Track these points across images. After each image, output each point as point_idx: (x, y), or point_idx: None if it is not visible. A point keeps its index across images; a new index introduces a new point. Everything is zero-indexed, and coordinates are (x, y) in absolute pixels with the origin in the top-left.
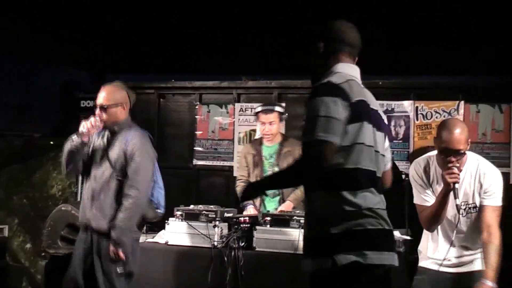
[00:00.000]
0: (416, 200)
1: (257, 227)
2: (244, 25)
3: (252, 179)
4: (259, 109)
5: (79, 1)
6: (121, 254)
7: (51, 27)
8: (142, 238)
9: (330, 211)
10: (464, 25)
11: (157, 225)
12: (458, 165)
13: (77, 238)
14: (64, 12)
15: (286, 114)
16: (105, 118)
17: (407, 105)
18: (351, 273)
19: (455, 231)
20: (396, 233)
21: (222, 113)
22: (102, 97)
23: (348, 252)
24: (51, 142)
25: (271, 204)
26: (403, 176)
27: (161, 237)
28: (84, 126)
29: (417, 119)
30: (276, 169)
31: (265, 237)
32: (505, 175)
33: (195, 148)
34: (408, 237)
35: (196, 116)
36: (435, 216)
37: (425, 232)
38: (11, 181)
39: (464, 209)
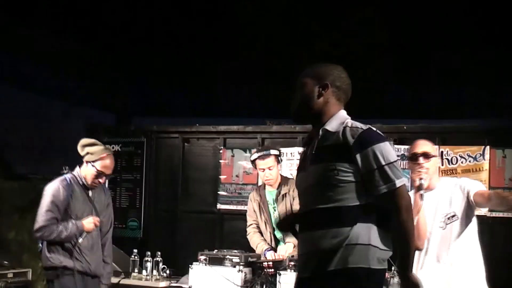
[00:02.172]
0: None
1: (281, 272)
2: (269, 67)
3: (261, 224)
4: (256, 156)
5: (106, 45)
6: None
7: (77, 70)
8: (166, 283)
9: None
10: (489, 67)
11: (181, 269)
12: (425, 169)
13: (65, 279)
14: (91, 55)
15: (282, 155)
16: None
17: None
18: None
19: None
20: None
21: (246, 158)
22: (112, 167)
23: None
24: None
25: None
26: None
27: (185, 282)
28: (93, 227)
29: (442, 164)
30: (276, 213)
31: (289, 282)
32: None
33: (219, 192)
34: None
35: (220, 161)
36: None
37: None
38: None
39: (444, 221)
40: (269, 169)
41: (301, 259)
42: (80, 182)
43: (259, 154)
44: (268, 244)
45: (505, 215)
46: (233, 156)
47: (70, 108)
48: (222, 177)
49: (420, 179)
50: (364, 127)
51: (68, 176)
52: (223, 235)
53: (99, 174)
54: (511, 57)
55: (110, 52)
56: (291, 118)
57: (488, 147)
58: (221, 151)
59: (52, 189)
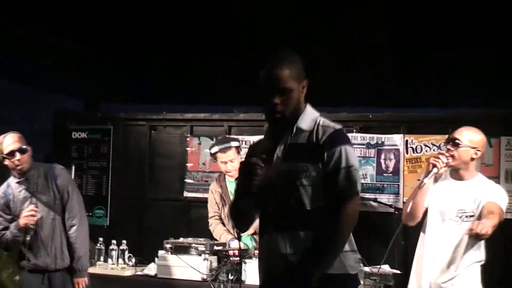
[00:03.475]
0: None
1: (247, 261)
2: (237, 56)
3: (223, 215)
4: (216, 149)
5: (75, 30)
6: (87, 282)
7: (47, 55)
8: (132, 271)
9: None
10: (454, 58)
11: (147, 258)
12: (449, 154)
13: (27, 278)
14: (59, 41)
15: (241, 144)
16: (25, 160)
17: (397, 139)
18: None
19: (446, 239)
20: (386, 267)
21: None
22: (12, 142)
23: None
24: None
25: (247, 241)
26: (393, 210)
27: (150, 270)
28: (30, 220)
29: (407, 153)
30: None
31: (255, 271)
32: None
33: (186, 180)
34: (398, 271)
35: (187, 148)
36: (413, 205)
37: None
38: None
39: (460, 217)
40: (231, 162)
41: (276, 258)
42: (16, 179)
43: (220, 147)
44: (228, 231)
45: None
46: (199, 144)
47: (38, 94)
48: (189, 164)
49: (434, 166)
50: (336, 126)
51: (7, 180)
52: (190, 223)
53: (10, 156)
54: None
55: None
56: (273, 122)
57: None
58: (188, 139)
59: None
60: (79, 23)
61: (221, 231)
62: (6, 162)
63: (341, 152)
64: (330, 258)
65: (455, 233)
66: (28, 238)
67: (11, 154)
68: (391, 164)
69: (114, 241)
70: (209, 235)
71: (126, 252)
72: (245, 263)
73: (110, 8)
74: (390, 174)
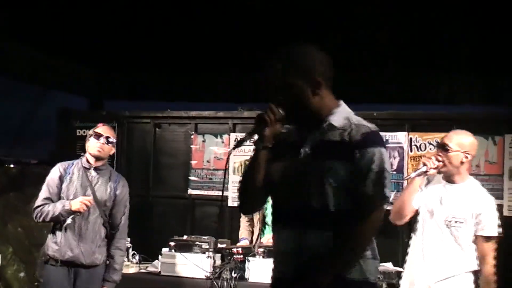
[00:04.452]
0: None
1: (250, 258)
2: (242, 54)
3: None
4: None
5: (78, 28)
6: None
7: (50, 53)
8: (136, 268)
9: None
10: (458, 55)
11: (151, 255)
12: (440, 158)
13: (53, 272)
14: (63, 39)
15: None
16: (105, 150)
17: (401, 137)
18: None
19: (435, 244)
20: (389, 265)
21: (218, 143)
22: (108, 131)
23: None
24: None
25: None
26: None
27: (154, 267)
28: (82, 207)
29: (411, 151)
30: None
31: (258, 268)
32: (499, 207)
33: (190, 177)
34: (401, 269)
35: (192, 146)
36: (400, 203)
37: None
38: (7, 208)
39: (450, 222)
40: None
41: (290, 257)
42: (83, 164)
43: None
44: (250, 232)
45: None
46: (204, 141)
47: (41, 92)
48: (193, 162)
49: (424, 164)
50: (371, 126)
51: (77, 159)
52: (194, 220)
53: (97, 137)
54: (483, 45)
55: (82, 34)
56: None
57: None
58: (192, 137)
59: (52, 170)
60: (83, 19)
61: (242, 226)
62: (91, 141)
63: (374, 153)
64: (347, 264)
65: (444, 236)
66: (68, 222)
67: (99, 136)
68: (395, 162)
69: None
70: (213, 233)
71: (130, 250)
72: (248, 261)
73: (115, 5)
74: (394, 172)
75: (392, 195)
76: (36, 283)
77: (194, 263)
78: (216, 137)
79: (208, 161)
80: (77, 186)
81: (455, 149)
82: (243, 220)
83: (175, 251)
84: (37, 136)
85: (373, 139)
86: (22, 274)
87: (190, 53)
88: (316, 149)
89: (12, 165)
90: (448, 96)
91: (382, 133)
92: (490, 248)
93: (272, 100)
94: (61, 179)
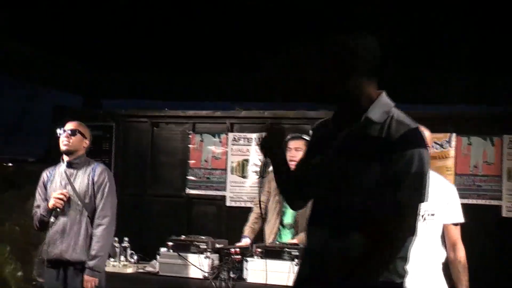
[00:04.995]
0: None
1: (248, 259)
2: (241, 53)
3: (272, 204)
4: (288, 137)
5: (75, 26)
6: (97, 283)
7: (47, 52)
8: (134, 268)
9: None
10: (456, 55)
11: (149, 255)
12: None
13: (46, 274)
14: (60, 36)
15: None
16: (71, 143)
17: None
18: None
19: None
20: None
21: (215, 143)
22: (72, 124)
23: None
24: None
25: (287, 236)
26: None
27: (152, 267)
28: (58, 203)
29: None
30: None
31: (256, 269)
32: (497, 208)
33: (187, 177)
34: None
35: (189, 145)
36: None
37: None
38: (3, 207)
39: (422, 216)
40: (295, 150)
41: (319, 259)
42: (64, 163)
43: (292, 135)
44: (254, 230)
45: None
46: (202, 141)
47: (37, 90)
48: (191, 161)
49: None
50: (413, 124)
51: (60, 162)
52: (192, 220)
53: (60, 133)
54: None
55: (79, 33)
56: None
57: (454, 134)
58: (190, 136)
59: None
60: (81, 19)
61: (248, 222)
62: (60, 139)
63: (414, 154)
64: (374, 270)
65: (421, 230)
66: (52, 220)
67: (61, 132)
68: None
69: (116, 238)
70: (210, 232)
71: (128, 249)
72: (246, 261)
73: (112, 4)
74: None
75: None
76: (34, 282)
77: (192, 263)
78: (214, 136)
79: (206, 161)
80: (57, 185)
81: None
82: (252, 216)
83: (173, 251)
84: (32, 134)
85: (413, 139)
86: (19, 273)
87: (188, 52)
88: (350, 145)
89: (8, 164)
90: (446, 96)
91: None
92: (458, 236)
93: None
94: (45, 183)
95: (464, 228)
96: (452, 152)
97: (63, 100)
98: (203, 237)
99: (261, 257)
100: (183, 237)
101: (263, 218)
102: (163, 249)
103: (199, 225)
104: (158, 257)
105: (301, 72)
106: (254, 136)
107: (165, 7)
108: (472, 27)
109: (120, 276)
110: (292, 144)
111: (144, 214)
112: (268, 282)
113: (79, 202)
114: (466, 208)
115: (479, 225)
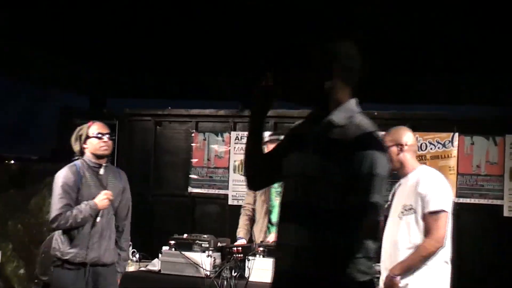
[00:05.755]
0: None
1: (250, 257)
2: (243, 53)
3: (258, 205)
4: (266, 139)
5: (80, 27)
6: None
7: (51, 53)
8: (135, 266)
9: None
10: (459, 55)
11: (151, 253)
12: None
13: (67, 276)
14: (65, 37)
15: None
16: (110, 146)
17: None
18: None
19: (393, 235)
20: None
21: (218, 141)
22: (106, 127)
23: None
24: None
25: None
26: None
27: (154, 266)
28: (105, 203)
29: None
30: (278, 198)
31: (258, 267)
32: (499, 208)
33: (190, 175)
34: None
35: (192, 144)
36: None
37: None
38: (7, 205)
39: (402, 212)
40: None
41: (290, 251)
42: (91, 164)
43: (269, 138)
44: (247, 232)
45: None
46: (205, 139)
47: (43, 91)
48: (193, 160)
49: None
50: (372, 129)
51: (77, 162)
52: (195, 218)
53: (99, 136)
54: (485, 45)
55: (84, 34)
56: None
57: (456, 134)
58: (193, 135)
59: (61, 176)
60: (84, 19)
61: (240, 224)
62: (91, 141)
63: (367, 156)
64: (335, 264)
65: (398, 227)
66: (98, 219)
67: (101, 135)
68: None
69: None
70: (213, 231)
71: (131, 248)
72: (248, 260)
73: (116, 4)
74: (395, 172)
75: (382, 201)
76: (36, 280)
77: (194, 262)
78: (217, 135)
79: (208, 159)
80: (92, 187)
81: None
82: (243, 218)
83: (175, 249)
84: (39, 134)
85: (368, 142)
86: (22, 271)
87: (191, 52)
88: (314, 145)
89: (12, 162)
90: (449, 96)
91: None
92: (434, 223)
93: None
94: (76, 183)
95: (466, 227)
96: (454, 151)
97: (70, 101)
98: (205, 236)
99: (264, 256)
100: (185, 235)
101: (252, 219)
102: (165, 248)
103: (202, 223)
104: (160, 255)
105: (284, 73)
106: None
107: (168, 7)
108: (475, 27)
109: (122, 275)
110: (271, 147)
111: (147, 213)
112: (270, 281)
113: (111, 206)
114: (468, 207)
115: (481, 225)
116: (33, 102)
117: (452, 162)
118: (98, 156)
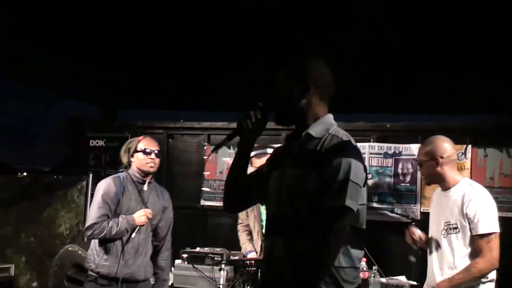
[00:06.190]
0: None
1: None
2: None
3: (251, 220)
4: (252, 154)
5: (94, 37)
6: None
7: (66, 61)
8: None
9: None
10: (472, 64)
11: None
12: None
13: None
14: (78, 47)
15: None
16: (157, 164)
17: (414, 148)
18: None
19: (437, 254)
20: (402, 278)
21: (230, 154)
22: (155, 144)
23: None
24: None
25: None
26: (410, 220)
27: None
28: (146, 221)
29: None
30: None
31: None
32: None
33: (202, 188)
34: (414, 283)
35: (204, 157)
36: None
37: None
38: (20, 218)
39: (446, 230)
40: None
41: (274, 264)
42: (134, 179)
43: (256, 152)
44: (253, 245)
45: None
46: (217, 152)
47: (56, 99)
48: (206, 173)
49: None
50: (344, 137)
51: (122, 174)
52: (207, 231)
53: (146, 152)
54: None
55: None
56: (274, 120)
57: (470, 146)
58: (205, 147)
59: (103, 186)
60: (98, 28)
61: (243, 240)
62: (138, 156)
63: (341, 164)
64: (316, 274)
65: (443, 245)
66: (133, 237)
67: (149, 152)
68: (409, 174)
69: None
70: (226, 244)
71: None
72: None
73: (128, 14)
74: (408, 184)
75: (356, 207)
76: None
77: (207, 276)
78: (229, 148)
79: (221, 172)
80: (132, 201)
81: (422, 160)
82: (242, 234)
83: (188, 263)
84: (51, 143)
85: (341, 150)
86: (35, 284)
87: (204, 63)
88: (295, 159)
89: (25, 174)
90: (462, 107)
91: (395, 145)
92: (486, 245)
93: (252, 107)
94: (117, 194)
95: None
96: (468, 163)
97: (80, 110)
98: (217, 249)
99: None
100: (198, 249)
101: (250, 233)
102: (178, 261)
103: (214, 236)
104: (172, 268)
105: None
106: (268, 149)
107: (181, 18)
108: (489, 35)
109: None
110: (258, 162)
111: None
112: None
113: (149, 224)
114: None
115: None
116: (44, 109)
117: (466, 174)
118: (144, 172)
